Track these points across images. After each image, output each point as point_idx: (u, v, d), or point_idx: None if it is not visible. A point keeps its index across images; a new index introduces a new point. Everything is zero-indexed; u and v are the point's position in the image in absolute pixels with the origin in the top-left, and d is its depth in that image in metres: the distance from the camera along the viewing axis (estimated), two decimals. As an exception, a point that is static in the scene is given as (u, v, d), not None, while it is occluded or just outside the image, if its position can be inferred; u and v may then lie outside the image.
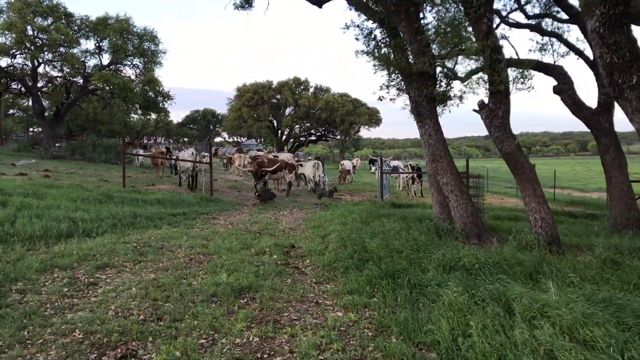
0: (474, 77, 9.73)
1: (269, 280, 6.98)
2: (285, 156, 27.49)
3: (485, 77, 9.24)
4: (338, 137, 77.37)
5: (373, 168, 30.93)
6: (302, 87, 75.07)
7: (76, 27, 38.98)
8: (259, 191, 18.89)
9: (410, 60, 10.29)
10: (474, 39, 9.14)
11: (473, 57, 9.24)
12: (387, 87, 10.98)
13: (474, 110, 9.40)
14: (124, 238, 9.81)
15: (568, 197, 23.13)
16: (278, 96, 72.52)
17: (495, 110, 8.94)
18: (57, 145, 40.34)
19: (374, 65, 11.65)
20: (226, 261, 8.04)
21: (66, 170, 27.01)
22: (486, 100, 9.23)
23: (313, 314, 5.80)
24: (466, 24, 9.31)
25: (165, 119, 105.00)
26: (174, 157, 29.51)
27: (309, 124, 75.52)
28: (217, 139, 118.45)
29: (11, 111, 56.31)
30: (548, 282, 5.83)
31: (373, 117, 72.36)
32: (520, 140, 9.68)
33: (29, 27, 35.29)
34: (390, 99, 11.23)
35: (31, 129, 64.11)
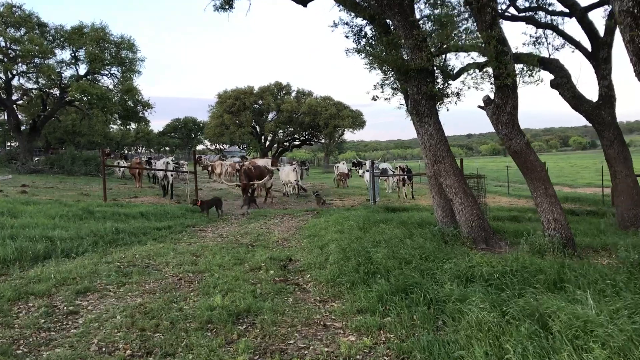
0: (475, 72, 9.20)
1: (268, 301, 6.31)
2: (262, 162, 27.31)
3: (490, 70, 8.70)
4: (322, 141, 76.77)
5: (360, 171, 30.41)
6: (284, 92, 74.44)
7: (51, 37, 37.94)
8: (245, 202, 18.29)
9: (405, 57, 9.72)
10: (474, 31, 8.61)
11: (475, 51, 8.71)
12: (382, 86, 10.42)
13: (479, 107, 8.86)
14: (107, 257, 9.08)
15: (561, 194, 22.72)
16: (260, 101, 71.77)
17: (503, 105, 8.40)
18: (35, 159, 39.17)
19: (367, 64, 11.11)
20: (219, 280, 7.36)
21: (45, 184, 26.06)
22: (492, 96, 8.68)
23: (323, 340, 5.15)
24: (466, 15, 8.78)
25: (145, 128, 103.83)
26: (152, 167, 28.97)
27: (292, 129, 74.93)
28: (200, 147, 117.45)
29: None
30: (577, 291, 5.29)
31: (357, 120, 71.95)
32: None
33: (0, 39, 34.21)
34: (385, 99, 10.68)
35: (8, 143, 62.64)
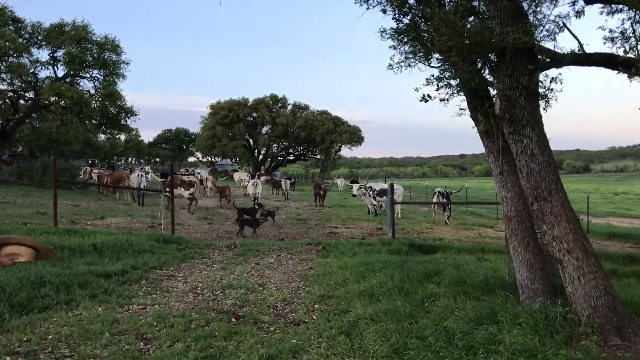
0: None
1: None
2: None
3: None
4: (318, 156, 73.47)
5: (355, 190, 27.56)
6: (279, 105, 71.49)
7: (27, 35, 34.47)
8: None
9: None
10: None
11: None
12: (439, 80, 6.97)
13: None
14: (-5, 342, 5.51)
15: (608, 228, 19.31)
16: (254, 114, 68.74)
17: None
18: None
19: (410, 54, 7.74)
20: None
21: (2, 198, 22.39)
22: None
23: None
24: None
25: (135, 138, 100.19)
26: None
27: (287, 143, 71.78)
28: (191, 159, 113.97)
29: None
30: None
31: (355, 136, 68.87)
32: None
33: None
34: (441, 100, 7.22)
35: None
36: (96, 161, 78.54)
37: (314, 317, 6.79)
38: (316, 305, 7.36)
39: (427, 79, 7.19)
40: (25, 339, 5.66)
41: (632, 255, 11.75)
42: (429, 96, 7.26)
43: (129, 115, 37.31)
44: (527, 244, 6.62)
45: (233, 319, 6.63)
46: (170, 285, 8.67)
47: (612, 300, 5.62)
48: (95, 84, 36.48)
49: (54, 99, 33.18)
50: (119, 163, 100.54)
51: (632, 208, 37.00)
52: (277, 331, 6.17)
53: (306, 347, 5.49)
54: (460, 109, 7.49)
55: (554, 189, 5.75)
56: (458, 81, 7.09)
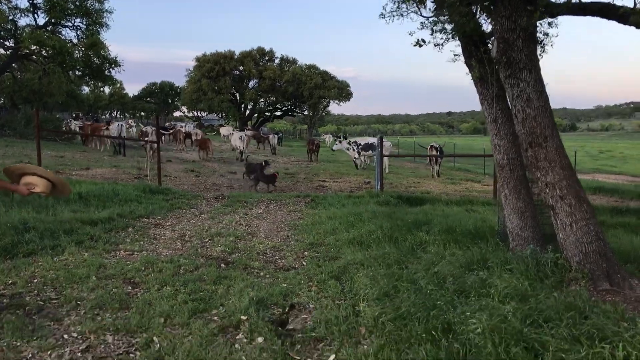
0: None
1: None
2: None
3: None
4: (306, 112, 72.70)
5: (335, 145, 28.04)
6: (267, 58, 70.07)
7: (5, -21, 33.09)
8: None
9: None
10: None
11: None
12: (434, 24, 6.75)
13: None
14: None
15: (594, 183, 19.45)
16: (241, 67, 67.30)
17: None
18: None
19: (404, 1, 7.48)
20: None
21: (-18, 149, 21.96)
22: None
23: None
24: None
25: (119, 92, 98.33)
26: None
27: (274, 98, 70.74)
28: (177, 114, 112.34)
29: None
30: None
31: (343, 91, 68.03)
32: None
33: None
34: (436, 45, 7.06)
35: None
36: (80, 114, 77.01)
37: (304, 263, 6.75)
38: (306, 252, 7.32)
39: (422, 22, 7.00)
40: (10, 282, 5.56)
41: (618, 208, 11.86)
42: (423, 41, 7.06)
43: (112, 66, 36.36)
44: (519, 192, 6.58)
45: (222, 265, 6.57)
46: (157, 233, 8.57)
47: (603, 247, 5.62)
48: (78, 33, 35.39)
49: (35, 48, 32.19)
50: (104, 117, 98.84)
51: (616, 165, 37.40)
52: (267, 276, 6.12)
53: (296, 291, 5.45)
54: (455, 55, 7.31)
55: (549, 135, 5.66)
56: (453, 25, 6.89)
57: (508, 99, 6.06)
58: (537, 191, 6.09)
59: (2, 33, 33.94)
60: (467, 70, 7.20)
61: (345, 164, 27.85)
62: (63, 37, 34.86)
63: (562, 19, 6.68)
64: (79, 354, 3.98)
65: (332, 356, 3.92)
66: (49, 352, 3.98)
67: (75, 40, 35.58)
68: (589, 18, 6.76)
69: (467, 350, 3.64)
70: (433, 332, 3.88)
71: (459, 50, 7.22)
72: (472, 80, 7.07)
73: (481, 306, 4.28)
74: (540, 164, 5.72)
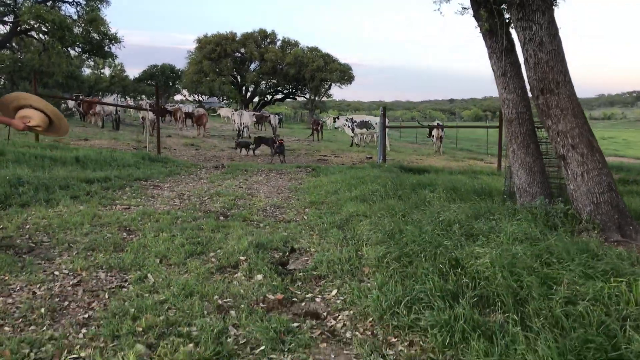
0: None
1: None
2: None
3: None
4: (307, 96, 72.15)
5: (336, 123, 28.83)
6: (268, 40, 69.27)
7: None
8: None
9: None
10: None
11: None
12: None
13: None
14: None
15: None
16: (242, 49, 66.61)
17: None
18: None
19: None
20: (152, 295, 3.61)
21: (-20, 121, 21.69)
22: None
23: None
24: None
25: (120, 74, 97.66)
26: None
27: (275, 81, 70.14)
28: (177, 97, 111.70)
29: None
30: None
31: (345, 74, 67.30)
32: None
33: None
34: (455, 12, 6.83)
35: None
36: (80, 96, 76.59)
37: (305, 217, 6.57)
38: (307, 209, 7.13)
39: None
40: (1, 226, 5.38)
41: (624, 179, 11.68)
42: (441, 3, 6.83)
43: (112, 42, 35.94)
44: (527, 147, 6.37)
45: (221, 217, 6.39)
46: (155, 192, 8.38)
47: (615, 197, 5.43)
48: (78, 9, 34.91)
49: (34, 23, 31.75)
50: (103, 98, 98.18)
51: (618, 149, 37.12)
52: (267, 227, 5.93)
53: (297, 238, 5.27)
54: (463, 8, 7.08)
55: (561, 81, 5.43)
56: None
57: (519, 44, 5.81)
58: (550, 138, 5.83)
59: (1, 8, 33.51)
60: (475, 23, 6.98)
61: (347, 142, 27.64)
62: (63, 13, 34.42)
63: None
64: (69, 288, 3.81)
65: (335, 291, 3.74)
66: (37, 286, 3.81)
67: (75, 17, 35.14)
68: (590, 4, 6.50)
69: (476, 283, 3.45)
70: (441, 266, 3.69)
71: (467, 2, 7.00)
72: (481, 34, 6.84)
73: (490, 246, 4.09)
74: (552, 111, 5.50)
